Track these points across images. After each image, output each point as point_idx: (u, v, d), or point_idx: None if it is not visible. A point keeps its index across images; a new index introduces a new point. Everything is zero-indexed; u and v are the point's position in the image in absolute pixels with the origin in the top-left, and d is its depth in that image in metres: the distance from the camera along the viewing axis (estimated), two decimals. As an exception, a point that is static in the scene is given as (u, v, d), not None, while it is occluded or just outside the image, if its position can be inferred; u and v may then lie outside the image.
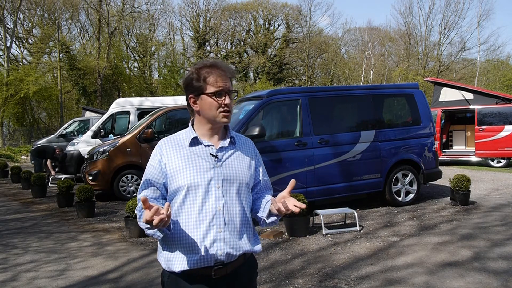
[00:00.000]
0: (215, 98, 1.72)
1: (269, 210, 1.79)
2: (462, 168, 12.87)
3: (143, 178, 1.78)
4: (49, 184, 11.25)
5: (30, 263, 5.02)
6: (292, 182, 1.68)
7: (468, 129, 14.01)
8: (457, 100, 13.38)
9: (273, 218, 1.81)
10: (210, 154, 1.76)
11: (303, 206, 1.65)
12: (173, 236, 1.71)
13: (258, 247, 1.84)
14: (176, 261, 1.70)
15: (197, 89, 1.74)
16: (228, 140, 1.81)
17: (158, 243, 1.82)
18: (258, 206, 1.86)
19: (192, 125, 1.83)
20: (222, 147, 1.79)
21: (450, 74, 39.28)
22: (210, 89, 1.72)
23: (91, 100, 31.96)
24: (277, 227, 6.18)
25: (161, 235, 1.68)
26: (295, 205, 1.65)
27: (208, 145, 1.77)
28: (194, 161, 1.73)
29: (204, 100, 1.74)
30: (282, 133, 7.08)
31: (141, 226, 1.66)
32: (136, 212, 1.74)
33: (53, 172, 11.95)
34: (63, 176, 11.74)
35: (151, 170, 1.76)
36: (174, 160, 1.73)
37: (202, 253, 1.68)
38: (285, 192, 1.71)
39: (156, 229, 1.62)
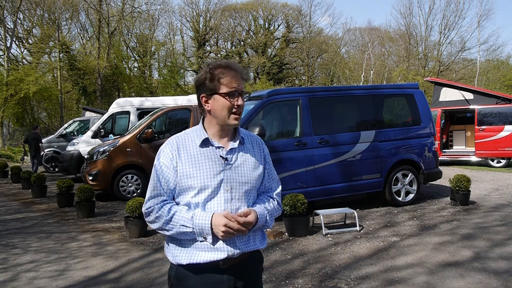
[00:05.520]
0: (228, 99, 1.74)
1: None
2: (462, 168, 12.87)
3: (157, 175, 1.78)
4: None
5: (30, 263, 5.02)
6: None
7: (468, 129, 14.00)
8: (457, 100, 13.38)
9: None
10: (220, 156, 1.78)
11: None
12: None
13: (263, 244, 1.88)
14: (184, 255, 1.74)
15: (210, 89, 1.75)
16: (238, 141, 1.83)
17: (165, 239, 1.85)
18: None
19: (203, 123, 1.84)
20: (231, 148, 1.81)
21: (450, 74, 39.24)
22: (224, 89, 1.73)
23: (91, 100, 31.93)
24: (277, 227, 6.18)
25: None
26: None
27: (219, 147, 1.79)
28: (205, 163, 1.75)
29: (216, 100, 1.75)
30: (282, 133, 7.08)
31: (159, 225, 1.74)
32: (155, 213, 1.74)
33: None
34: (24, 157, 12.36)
35: (164, 169, 1.76)
36: (185, 160, 1.75)
37: (210, 251, 1.72)
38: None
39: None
